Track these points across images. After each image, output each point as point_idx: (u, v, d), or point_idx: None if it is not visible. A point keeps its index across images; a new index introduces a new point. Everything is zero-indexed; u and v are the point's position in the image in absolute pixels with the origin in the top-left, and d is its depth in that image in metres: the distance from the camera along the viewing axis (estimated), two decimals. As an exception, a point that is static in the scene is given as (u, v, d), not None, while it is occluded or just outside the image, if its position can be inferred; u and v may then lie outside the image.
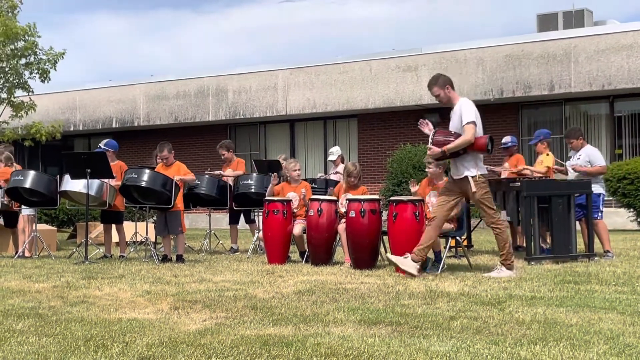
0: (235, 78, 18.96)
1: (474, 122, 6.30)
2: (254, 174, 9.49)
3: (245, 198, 9.42)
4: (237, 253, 9.48)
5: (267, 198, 8.07)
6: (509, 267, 6.38)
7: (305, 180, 9.29)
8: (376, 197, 7.43)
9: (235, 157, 10.13)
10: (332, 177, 10.55)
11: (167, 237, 8.46)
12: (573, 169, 8.14)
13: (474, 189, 6.36)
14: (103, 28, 52.95)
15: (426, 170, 7.34)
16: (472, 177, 6.39)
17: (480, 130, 6.42)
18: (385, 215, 7.15)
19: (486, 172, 6.65)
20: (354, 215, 7.12)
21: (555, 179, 8.31)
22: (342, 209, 7.54)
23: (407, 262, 6.39)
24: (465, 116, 6.39)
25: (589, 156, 8.14)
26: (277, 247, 7.85)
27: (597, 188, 7.99)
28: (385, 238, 7.27)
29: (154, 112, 19.92)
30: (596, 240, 8.04)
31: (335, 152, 11.06)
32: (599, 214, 7.98)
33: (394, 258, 6.50)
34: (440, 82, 6.53)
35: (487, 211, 6.40)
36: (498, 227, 6.38)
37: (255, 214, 9.72)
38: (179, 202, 8.34)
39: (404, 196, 7.19)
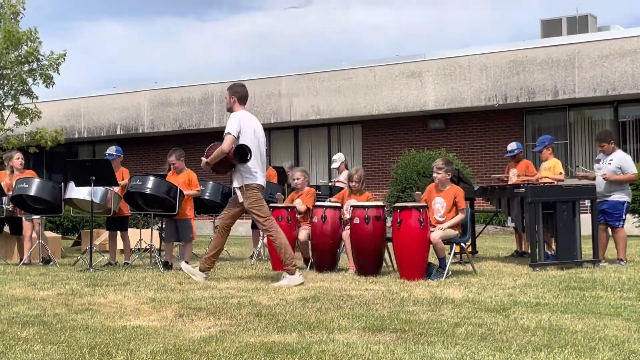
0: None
1: (229, 133, 6.65)
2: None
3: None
4: (258, 258, 9.25)
5: (271, 205, 8.07)
6: (292, 272, 6.52)
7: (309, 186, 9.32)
8: (380, 203, 7.42)
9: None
10: (338, 185, 10.57)
11: (171, 244, 8.47)
12: (604, 178, 7.91)
13: (240, 199, 6.70)
14: (107, 35, 53.22)
15: (433, 176, 7.36)
16: (239, 188, 6.72)
17: (249, 140, 6.71)
18: (390, 222, 7.15)
19: (258, 183, 6.83)
20: (358, 221, 7.12)
21: (560, 184, 8.30)
22: (347, 216, 7.55)
23: (195, 271, 6.84)
24: (227, 127, 6.77)
25: (620, 162, 7.92)
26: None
27: (622, 196, 7.87)
28: (390, 245, 7.25)
29: (158, 119, 19.95)
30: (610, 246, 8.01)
31: (338, 159, 11.06)
32: (621, 222, 7.85)
33: (185, 267, 6.94)
34: (230, 90, 7.00)
35: (259, 219, 6.71)
36: (272, 234, 6.69)
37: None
38: (190, 210, 8.37)
39: (408, 202, 7.18)
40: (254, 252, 9.49)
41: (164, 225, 8.60)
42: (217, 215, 10.37)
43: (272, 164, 10.34)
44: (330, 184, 11.61)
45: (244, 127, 6.75)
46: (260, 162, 6.77)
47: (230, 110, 6.95)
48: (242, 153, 6.58)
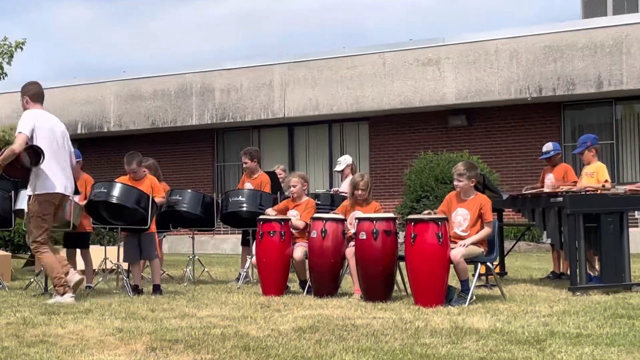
0: (223, 75, 19.05)
1: (21, 132, 7.04)
2: (246, 190, 9.58)
3: (234, 218, 9.50)
4: (245, 281, 9.35)
5: (261, 217, 8.13)
6: (63, 293, 7.16)
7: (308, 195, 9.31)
8: (391, 215, 7.46)
9: (259, 169, 10.09)
10: (341, 193, 10.54)
11: (138, 265, 8.47)
12: None
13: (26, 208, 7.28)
14: (66, 16, 53.24)
15: (454, 183, 7.38)
16: (29, 196, 7.32)
17: (46, 141, 7.10)
18: (402, 237, 7.18)
19: (56, 192, 7.29)
20: (364, 237, 7.14)
21: (605, 193, 8.27)
22: (351, 230, 7.57)
23: (61, 299, 7.16)
24: (18, 126, 7.16)
25: None
26: (273, 275, 7.88)
27: None
28: (403, 264, 7.28)
29: (127, 115, 20.02)
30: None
31: (343, 161, 11.04)
32: None
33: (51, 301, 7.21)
34: (21, 91, 7.38)
35: (30, 235, 7.34)
36: (38, 250, 7.29)
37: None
38: (153, 223, 8.38)
39: (424, 214, 7.21)
40: (240, 274, 9.52)
41: (122, 243, 8.59)
42: (197, 229, 10.47)
43: (263, 169, 10.34)
44: (332, 191, 11.59)
45: (39, 126, 7.19)
46: (61, 167, 7.26)
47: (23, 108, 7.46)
48: (35, 155, 6.91)
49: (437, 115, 17.47)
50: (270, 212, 8.33)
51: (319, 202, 9.79)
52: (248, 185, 9.83)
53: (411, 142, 17.85)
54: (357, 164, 18.05)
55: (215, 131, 20.08)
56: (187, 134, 20.15)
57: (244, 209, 9.31)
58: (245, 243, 9.88)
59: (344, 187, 10.34)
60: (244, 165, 10.09)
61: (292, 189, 8.40)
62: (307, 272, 7.95)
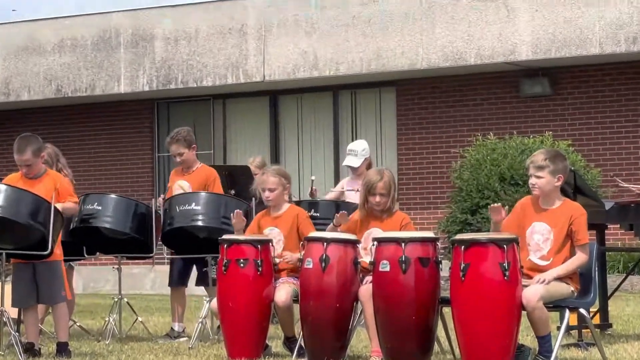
0: (168, 14, 19.07)
1: None
2: (203, 193, 9.57)
3: (184, 238, 9.51)
4: (182, 339, 9.57)
5: (225, 238, 8.06)
6: None
7: (298, 203, 9.20)
8: (430, 234, 7.46)
9: (197, 160, 10.29)
10: (350, 195, 10.60)
11: (34, 311, 8.39)
12: None
13: None
14: None
15: (530, 183, 7.33)
16: None
17: None
18: (448, 270, 7.11)
19: None
20: (387, 268, 7.11)
21: None
22: (366, 258, 7.52)
23: None
24: None
25: None
26: (244, 328, 7.83)
27: None
28: (447, 310, 7.21)
29: (19, 78, 19.99)
30: None
31: (360, 151, 10.96)
32: None
33: None
34: None
35: None
36: None
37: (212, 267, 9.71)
38: (58, 247, 8.33)
39: (482, 233, 7.13)
40: (172, 329, 9.71)
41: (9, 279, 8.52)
42: (126, 256, 10.40)
43: (229, 162, 10.34)
44: (333, 191, 11.52)
45: None
46: None
47: None
48: None
49: (503, 78, 17.50)
50: (240, 227, 8.30)
51: (318, 215, 9.78)
52: (182, 186, 9.87)
53: (462, 121, 17.81)
54: (377, 157, 18.07)
55: (155, 103, 20.09)
56: (112, 107, 20.14)
57: (200, 223, 9.33)
58: (202, 278, 9.91)
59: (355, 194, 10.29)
60: (178, 159, 10.14)
61: (268, 193, 8.33)
62: (298, 324, 7.88)
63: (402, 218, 7.92)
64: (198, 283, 10.16)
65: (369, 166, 10.82)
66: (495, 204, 7.48)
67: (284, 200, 8.41)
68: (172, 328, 10.03)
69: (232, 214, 8.56)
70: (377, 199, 7.79)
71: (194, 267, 10.12)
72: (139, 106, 20.02)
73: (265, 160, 11.98)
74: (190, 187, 9.94)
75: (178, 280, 10.16)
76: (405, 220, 7.91)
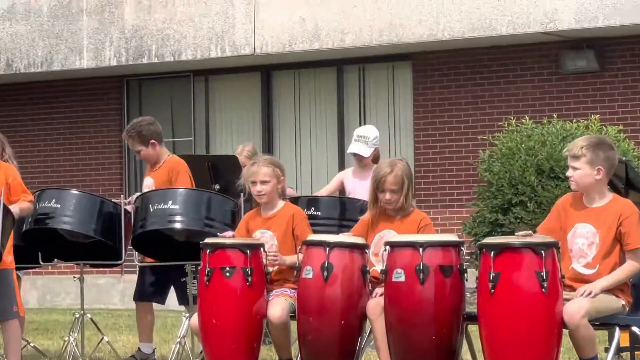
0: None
1: None
2: (181, 190, 9.59)
3: (160, 242, 9.55)
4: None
5: (208, 242, 8.03)
6: None
7: (295, 200, 9.25)
8: (453, 237, 7.49)
9: (165, 152, 10.28)
10: (357, 189, 10.69)
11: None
12: None
13: None
14: None
15: (568, 176, 7.35)
16: None
17: None
18: (475, 280, 7.14)
19: None
20: (402, 279, 7.14)
21: None
22: (377, 266, 7.58)
23: None
24: None
25: None
26: (230, 350, 7.82)
27: None
28: (475, 328, 7.21)
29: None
30: None
31: (371, 136, 11.04)
32: None
33: None
34: None
35: None
36: None
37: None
38: (9, 253, 8.34)
39: (515, 236, 7.21)
40: (139, 350, 9.74)
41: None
42: (90, 263, 10.39)
43: (212, 151, 10.42)
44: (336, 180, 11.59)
45: None
46: None
47: None
48: None
49: (540, 51, 17.55)
50: (228, 234, 8.35)
51: (319, 214, 9.79)
52: (146, 185, 9.99)
53: (491, 102, 17.87)
54: (390, 143, 18.18)
55: (124, 80, 20.11)
56: (73, 85, 20.14)
57: (178, 225, 9.37)
58: (182, 295, 9.94)
59: (364, 188, 10.34)
60: (138, 157, 10.30)
61: (260, 187, 8.33)
62: (295, 345, 7.92)
63: (421, 218, 7.92)
64: (181, 302, 10.11)
65: (376, 159, 10.92)
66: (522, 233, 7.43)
67: (277, 197, 8.42)
68: (138, 349, 10.06)
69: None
70: (388, 195, 7.81)
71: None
72: (105, 84, 19.97)
73: (256, 149, 12.01)
74: (153, 185, 9.97)
75: (144, 292, 10.17)
76: (425, 221, 7.90)
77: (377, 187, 7.88)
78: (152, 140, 9.96)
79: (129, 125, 10.18)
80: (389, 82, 18.72)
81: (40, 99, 20.34)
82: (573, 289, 7.02)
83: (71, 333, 10.13)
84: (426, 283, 7.07)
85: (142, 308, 10.23)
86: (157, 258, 9.83)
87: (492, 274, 6.80)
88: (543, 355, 6.79)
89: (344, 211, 10.02)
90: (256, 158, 8.74)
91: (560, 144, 14.82)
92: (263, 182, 8.24)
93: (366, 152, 11.01)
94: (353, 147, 11.35)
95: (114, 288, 18.76)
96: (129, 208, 9.83)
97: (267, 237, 8.19)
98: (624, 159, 8.59)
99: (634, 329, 7.23)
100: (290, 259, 8.04)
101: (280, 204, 8.40)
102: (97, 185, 18.83)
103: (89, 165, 20.13)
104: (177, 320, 11.62)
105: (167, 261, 9.69)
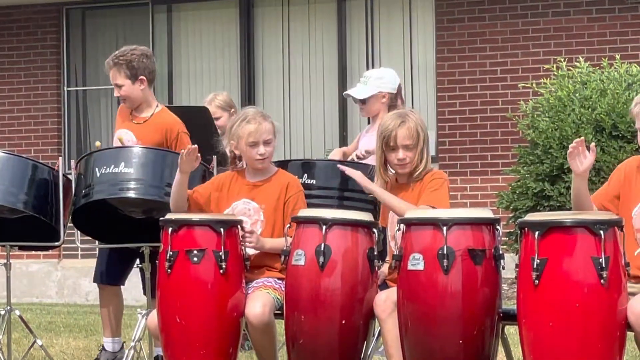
0: None
1: None
2: (136, 149, 9.60)
3: (108, 218, 9.52)
4: None
5: (169, 217, 7.94)
6: None
7: (284, 165, 9.24)
8: (486, 213, 7.29)
9: (154, 101, 10.31)
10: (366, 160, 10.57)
11: None
12: None
13: None
14: None
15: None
16: None
17: None
18: (514, 267, 7.05)
19: None
20: (420, 266, 7.01)
21: None
22: (393, 245, 7.38)
23: None
24: None
25: None
26: (197, 354, 7.87)
27: None
28: (514, 329, 7.15)
29: None
30: None
31: (373, 76, 11.01)
32: None
33: None
34: None
35: None
36: None
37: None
38: None
39: (566, 212, 7.17)
40: (103, 348, 10.03)
41: None
42: (18, 245, 10.51)
43: (180, 102, 10.49)
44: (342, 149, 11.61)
45: None
46: None
47: None
48: None
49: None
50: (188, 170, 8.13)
51: (314, 183, 9.78)
52: (120, 138, 9.91)
53: (535, 39, 17.98)
54: (405, 90, 18.17)
55: (63, 9, 20.42)
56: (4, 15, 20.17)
57: (132, 194, 9.36)
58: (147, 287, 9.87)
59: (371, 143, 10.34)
60: (116, 93, 10.20)
61: (261, 150, 8.13)
62: (283, 350, 7.86)
63: (440, 185, 7.77)
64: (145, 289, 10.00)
65: (392, 108, 10.84)
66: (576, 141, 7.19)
67: (267, 161, 8.25)
68: (102, 348, 9.99)
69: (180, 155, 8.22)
70: (401, 154, 7.70)
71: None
72: (38, 14, 20.13)
73: (231, 98, 12.05)
74: (135, 141, 9.86)
75: (108, 274, 10.13)
76: (433, 176, 7.82)
77: (387, 143, 7.76)
78: (142, 77, 9.89)
79: (117, 52, 9.88)
80: (404, 13, 18.79)
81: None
82: (639, 281, 7.02)
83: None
84: (451, 272, 6.95)
85: (108, 292, 10.16)
86: (105, 240, 9.82)
87: (537, 261, 6.62)
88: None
89: (346, 179, 10.02)
90: (246, 111, 8.54)
91: (624, 94, 14.83)
92: (267, 143, 8.19)
93: (361, 93, 10.87)
94: (348, 90, 11.34)
95: (49, 277, 18.92)
96: (71, 175, 9.82)
97: (251, 210, 8.14)
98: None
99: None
100: (272, 242, 7.93)
101: (273, 169, 8.28)
102: (28, 145, 18.94)
103: (17, 119, 20.25)
104: (130, 318, 11.65)
105: (118, 243, 9.68)
